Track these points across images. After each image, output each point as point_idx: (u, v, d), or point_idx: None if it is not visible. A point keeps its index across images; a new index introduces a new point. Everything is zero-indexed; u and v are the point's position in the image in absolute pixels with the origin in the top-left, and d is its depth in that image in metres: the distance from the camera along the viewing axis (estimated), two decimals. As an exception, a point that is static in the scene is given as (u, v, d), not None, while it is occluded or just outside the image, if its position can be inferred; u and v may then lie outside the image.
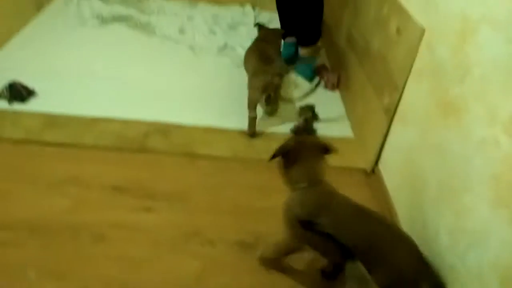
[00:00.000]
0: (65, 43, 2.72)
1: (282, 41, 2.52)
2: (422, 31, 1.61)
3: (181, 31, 2.97)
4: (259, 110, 2.25)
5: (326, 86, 2.59)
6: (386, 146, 1.87)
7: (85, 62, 2.54)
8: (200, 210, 1.73)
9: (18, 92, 2.16)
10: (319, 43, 2.72)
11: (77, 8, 3.09)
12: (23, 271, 1.44)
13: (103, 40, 2.79)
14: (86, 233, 1.58)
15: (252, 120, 2.10)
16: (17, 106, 2.12)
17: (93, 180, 1.80)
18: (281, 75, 2.14)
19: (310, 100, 2.41)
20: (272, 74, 2.05)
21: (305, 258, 1.55)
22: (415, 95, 1.64)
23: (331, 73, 2.63)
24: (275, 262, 1.53)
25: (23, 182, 1.76)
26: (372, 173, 1.95)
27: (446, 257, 1.32)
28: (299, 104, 2.36)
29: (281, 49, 2.48)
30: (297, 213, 1.35)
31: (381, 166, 1.91)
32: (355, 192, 1.43)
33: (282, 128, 2.18)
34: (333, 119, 2.33)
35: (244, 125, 2.12)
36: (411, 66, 1.67)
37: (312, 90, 2.51)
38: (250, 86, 2.09)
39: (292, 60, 2.65)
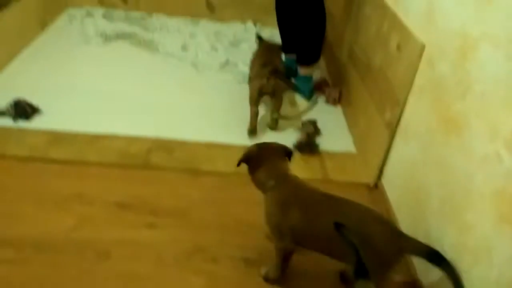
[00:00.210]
0: (70, 61, 2.75)
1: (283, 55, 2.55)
2: (422, 48, 1.63)
3: (184, 48, 3.00)
4: (263, 125, 2.27)
5: (327, 101, 2.61)
6: (389, 161, 1.88)
7: (89, 80, 2.57)
8: (203, 226, 1.73)
9: (23, 110, 2.18)
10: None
11: (81, 26, 3.13)
12: (27, 289, 1.44)
13: (107, 58, 2.83)
14: (91, 250, 1.59)
15: (254, 115, 2.22)
16: (22, 124, 2.14)
17: (97, 197, 1.81)
18: (278, 76, 2.20)
19: (311, 115, 2.43)
20: (268, 76, 2.15)
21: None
22: (417, 111, 1.66)
23: (333, 88, 2.65)
24: (280, 279, 1.53)
25: (28, 199, 1.77)
26: (375, 188, 1.95)
27: (451, 273, 1.32)
28: (300, 119, 2.37)
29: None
30: (276, 217, 1.39)
31: (384, 180, 1.92)
32: (358, 208, 1.43)
33: (284, 144, 2.19)
34: (335, 134, 2.34)
35: (247, 141, 2.14)
36: (412, 82, 1.70)
37: (310, 108, 2.53)
38: (250, 87, 2.24)
39: (291, 77, 2.67)
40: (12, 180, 1.85)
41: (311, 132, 2.21)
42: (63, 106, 2.30)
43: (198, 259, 1.60)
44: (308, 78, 2.62)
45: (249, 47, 3.01)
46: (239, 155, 1.47)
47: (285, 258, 1.48)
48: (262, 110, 2.31)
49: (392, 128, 1.81)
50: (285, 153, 1.52)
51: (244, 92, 2.36)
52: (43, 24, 3.06)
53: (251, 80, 2.28)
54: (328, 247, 1.35)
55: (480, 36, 1.29)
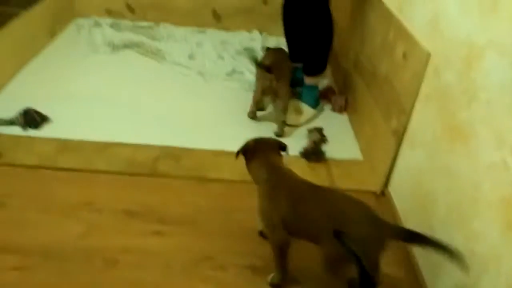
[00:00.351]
0: (78, 70, 2.78)
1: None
2: (428, 56, 1.64)
3: (191, 57, 3.03)
4: (269, 133, 2.28)
5: (333, 109, 2.62)
6: (396, 169, 1.89)
7: (97, 88, 2.59)
8: (211, 234, 1.74)
9: (32, 118, 2.21)
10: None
11: (89, 36, 3.17)
12: (36, 296, 1.45)
13: (115, 67, 2.86)
14: (98, 258, 1.60)
15: (252, 111, 2.43)
16: (31, 132, 2.17)
17: (105, 204, 1.82)
18: (281, 80, 2.30)
19: (318, 123, 2.44)
20: (271, 79, 2.25)
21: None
22: (423, 119, 1.66)
23: (339, 96, 2.66)
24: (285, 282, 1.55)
25: (37, 207, 1.78)
26: (382, 195, 1.95)
27: (459, 282, 1.32)
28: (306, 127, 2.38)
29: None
30: (268, 207, 1.46)
31: (391, 188, 1.92)
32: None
33: (290, 151, 2.19)
34: (341, 141, 2.35)
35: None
36: (418, 90, 1.70)
37: (315, 116, 2.54)
38: (255, 87, 2.37)
39: (297, 85, 2.68)
40: (21, 188, 1.87)
41: (317, 140, 2.22)
42: (72, 115, 2.32)
43: (206, 266, 1.61)
44: (314, 88, 2.62)
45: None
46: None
47: (281, 254, 1.50)
48: (267, 117, 2.34)
49: (399, 136, 1.82)
50: (279, 147, 1.61)
51: (250, 100, 2.38)
52: (52, 33, 3.10)
53: (256, 80, 2.39)
54: (316, 236, 1.39)
55: (486, 45, 1.30)
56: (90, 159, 2.04)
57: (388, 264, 1.66)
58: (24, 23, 2.71)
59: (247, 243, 1.70)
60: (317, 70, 2.58)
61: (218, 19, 3.45)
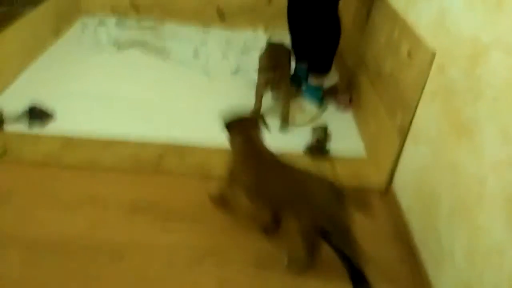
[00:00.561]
0: (83, 68, 2.80)
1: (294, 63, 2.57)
2: (433, 55, 1.64)
3: (195, 55, 3.04)
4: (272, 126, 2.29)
5: (338, 107, 2.62)
6: (400, 166, 1.89)
7: (102, 86, 2.61)
8: (215, 230, 1.75)
9: (38, 116, 2.22)
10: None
11: (94, 34, 3.19)
12: (42, 291, 1.46)
13: (120, 65, 2.87)
14: (104, 253, 1.61)
15: (259, 99, 2.41)
16: (37, 129, 2.18)
17: (110, 200, 1.83)
18: (281, 71, 2.36)
19: (322, 120, 2.44)
20: (274, 71, 2.31)
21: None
22: (428, 116, 1.66)
23: (343, 93, 2.66)
24: (223, 200, 1.80)
25: (42, 202, 1.80)
26: (387, 192, 1.95)
27: (463, 276, 1.32)
28: (310, 125, 2.39)
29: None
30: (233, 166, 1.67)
31: (395, 185, 1.92)
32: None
33: (294, 148, 2.21)
34: (346, 139, 2.35)
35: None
36: (423, 88, 1.70)
37: (319, 115, 2.54)
38: (257, 79, 2.40)
39: (299, 84, 2.68)
40: (26, 184, 1.88)
41: (321, 137, 2.22)
42: (77, 112, 2.34)
43: (211, 262, 1.61)
44: (318, 88, 2.62)
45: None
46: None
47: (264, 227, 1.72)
48: (270, 114, 2.35)
49: (403, 133, 1.82)
50: (258, 124, 1.76)
51: (254, 98, 2.39)
52: (57, 32, 3.12)
53: (258, 73, 2.41)
54: (278, 204, 1.61)
55: (491, 42, 1.30)
56: (95, 156, 2.05)
57: (392, 258, 1.68)
58: (29, 22, 2.73)
59: (251, 239, 1.71)
60: (322, 70, 2.58)
61: (222, 18, 3.46)
